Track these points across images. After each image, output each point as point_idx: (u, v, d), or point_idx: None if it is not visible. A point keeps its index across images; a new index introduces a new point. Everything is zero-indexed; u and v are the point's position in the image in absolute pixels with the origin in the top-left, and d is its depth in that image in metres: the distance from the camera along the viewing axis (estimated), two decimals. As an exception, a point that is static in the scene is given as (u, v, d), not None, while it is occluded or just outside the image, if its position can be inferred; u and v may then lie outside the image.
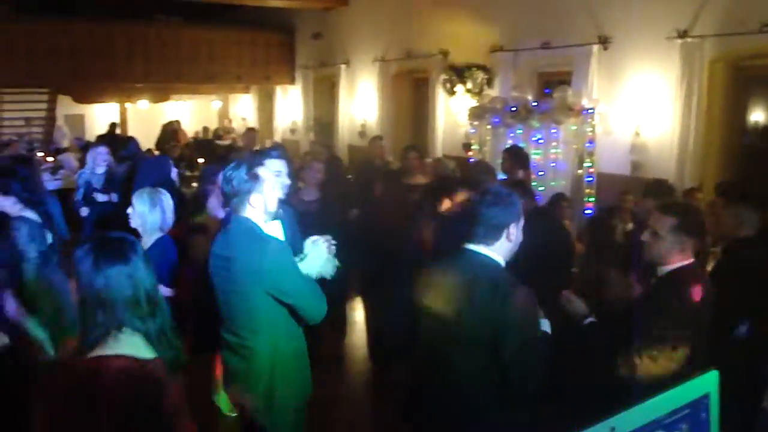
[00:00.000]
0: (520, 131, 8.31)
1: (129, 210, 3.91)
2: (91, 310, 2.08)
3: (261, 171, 3.14)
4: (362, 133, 12.15)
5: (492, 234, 2.68)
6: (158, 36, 13.66)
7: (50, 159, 12.57)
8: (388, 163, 8.23)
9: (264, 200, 3.11)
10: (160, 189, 4.04)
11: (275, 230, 3.22)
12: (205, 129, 16.74)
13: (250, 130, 10.71)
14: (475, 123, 8.95)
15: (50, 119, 15.13)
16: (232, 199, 3.10)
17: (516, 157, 6.11)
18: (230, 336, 3.14)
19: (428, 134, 10.41)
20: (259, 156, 3.70)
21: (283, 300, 3.02)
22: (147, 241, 3.90)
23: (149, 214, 3.88)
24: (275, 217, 3.24)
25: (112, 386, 1.97)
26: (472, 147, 8.99)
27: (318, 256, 3.20)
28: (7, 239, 3.49)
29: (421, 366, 2.99)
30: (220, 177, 3.21)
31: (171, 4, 14.23)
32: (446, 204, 4.29)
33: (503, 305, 2.55)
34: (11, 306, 3.26)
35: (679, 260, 2.90)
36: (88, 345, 2.05)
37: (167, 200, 3.97)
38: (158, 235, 3.97)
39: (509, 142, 8.43)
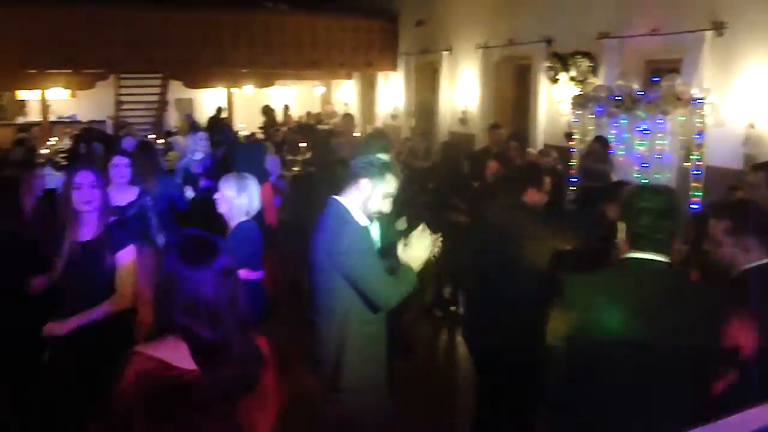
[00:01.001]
0: (625, 121, 8.03)
1: (216, 195, 4.00)
2: (159, 304, 2.07)
3: (390, 174, 3.16)
4: (463, 120, 12.09)
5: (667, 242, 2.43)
6: (264, 23, 13.98)
7: (161, 141, 13.22)
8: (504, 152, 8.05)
9: (370, 191, 3.12)
10: (247, 174, 4.12)
11: (362, 218, 3.21)
12: (308, 114, 17.06)
13: (347, 115, 10.83)
14: (578, 112, 8.72)
15: (162, 103, 15.89)
16: (347, 180, 3.17)
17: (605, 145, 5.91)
18: (313, 315, 3.21)
19: (530, 123, 10.23)
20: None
21: (354, 284, 3.04)
22: (232, 226, 4.02)
23: (236, 200, 3.96)
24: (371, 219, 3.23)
25: (129, 384, 1.93)
26: (574, 136, 8.77)
27: (422, 247, 3.19)
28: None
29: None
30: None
31: (278, -7, 14.63)
32: (531, 194, 4.21)
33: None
34: None
35: (747, 262, 2.72)
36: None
37: (254, 185, 4.03)
38: (243, 218, 4.05)
39: (613, 132, 8.20)
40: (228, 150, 7.18)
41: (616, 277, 2.49)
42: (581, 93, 8.71)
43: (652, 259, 2.39)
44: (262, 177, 5.07)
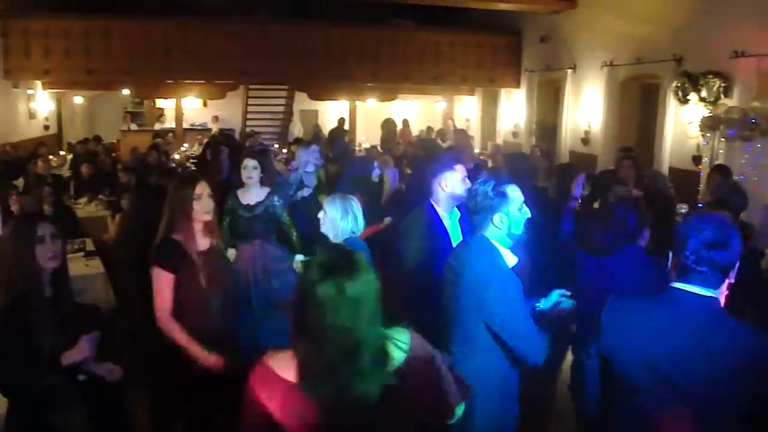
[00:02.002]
0: (760, 146, 7.52)
1: (320, 214, 4.03)
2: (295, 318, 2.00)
3: (509, 190, 3.00)
4: (585, 140, 11.74)
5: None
6: (390, 38, 14.19)
7: (284, 151, 13.67)
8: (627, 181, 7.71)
9: (508, 221, 2.97)
10: (350, 196, 4.12)
11: (510, 257, 3.04)
12: (429, 129, 17.11)
13: (460, 131, 10.72)
14: (708, 135, 8.24)
15: (287, 114, 16.44)
16: (475, 215, 3.01)
17: (725, 174, 5.54)
18: (442, 348, 2.95)
19: (655, 144, 9.77)
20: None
21: (497, 334, 2.88)
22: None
23: (340, 221, 3.97)
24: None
25: (249, 391, 1.95)
26: (703, 160, 8.30)
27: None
28: None
29: None
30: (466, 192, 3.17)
31: (404, 9, 14.76)
32: None
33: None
34: None
35: None
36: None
37: (357, 207, 4.04)
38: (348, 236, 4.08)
39: (746, 158, 7.70)
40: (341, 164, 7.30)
41: (654, 306, 2.35)
42: (711, 115, 8.23)
43: (692, 292, 2.24)
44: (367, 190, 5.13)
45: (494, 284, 2.82)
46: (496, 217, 2.93)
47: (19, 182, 8.96)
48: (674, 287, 2.29)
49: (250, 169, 5.30)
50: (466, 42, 14.39)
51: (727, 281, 2.27)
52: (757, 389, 2.12)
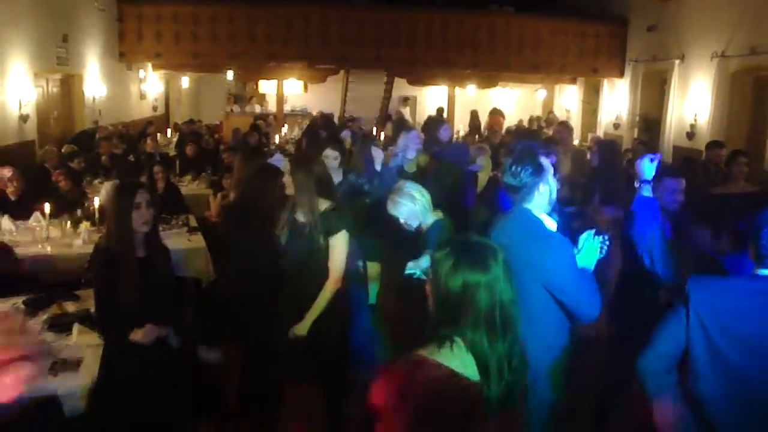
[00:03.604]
0: None
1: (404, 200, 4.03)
2: (438, 313, 2.03)
3: (544, 161, 3.15)
4: (690, 134, 11.28)
5: None
6: (489, 25, 14.08)
7: (383, 135, 13.76)
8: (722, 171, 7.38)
9: (549, 190, 3.11)
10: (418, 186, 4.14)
11: (550, 222, 3.16)
12: (531, 119, 16.81)
13: (563, 123, 10.50)
14: (826, 132, 7.81)
15: (387, 99, 16.53)
16: (518, 191, 3.12)
17: None
18: None
19: (767, 142, 9.30)
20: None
21: (557, 296, 2.96)
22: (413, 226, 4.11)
23: (425, 205, 4.03)
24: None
25: (420, 394, 1.90)
26: (818, 159, 7.86)
27: (591, 252, 3.06)
28: None
29: None
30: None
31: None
32: None
33: None
34: None
35: None
36: (423, 344, 1.99)
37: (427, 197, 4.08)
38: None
39: None
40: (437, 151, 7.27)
41: (747, 282, 2.35)
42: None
43: None
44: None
45: (550, 251, 2.94)
46: (538, 189, 3.07)
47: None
48: (759, 274, 2.31)
49: (331, 159, 5.51)
50: (568, 30, 14.07)
51: None
52: None
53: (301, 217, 3.97)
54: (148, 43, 12.93)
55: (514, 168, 3.10)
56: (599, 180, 6.34)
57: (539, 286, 2.96)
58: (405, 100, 18.02)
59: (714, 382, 2.32)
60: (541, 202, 3.10)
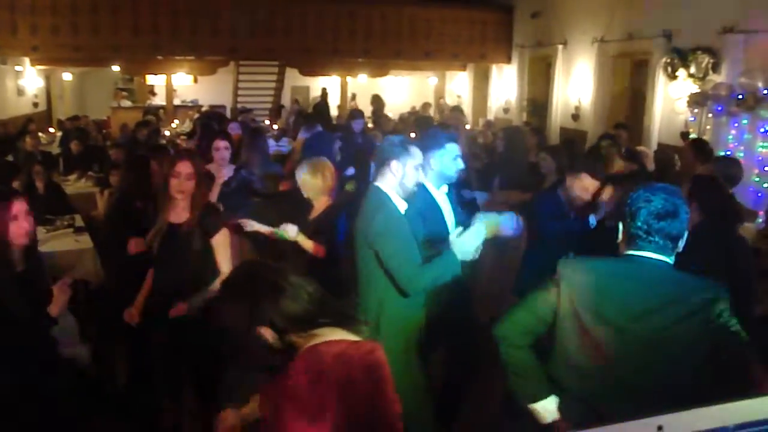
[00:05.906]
0: (746, 121, 7.56)
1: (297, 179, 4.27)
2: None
3: (413, 148, 3.29)
4: (575, 116, 11.76)
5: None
6: (380, 13, 14.10)
7: (275, 126, 13.68)
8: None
9: (403, 172, 3.24)
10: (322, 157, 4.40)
11: (400, 202, 3.32)
12: (425, 105, 16.92)
13: (456, 108, 10.73)
14: (695, 110, 8.29)
15: (278, 90, 16.34)
16: (378, 166, 3.31)
17: (699, 150, 5.60)
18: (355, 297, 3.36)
19: (645, 120, 9.80)
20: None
21: (382, 262, 3.15)
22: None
23: (312, 180, 4.26)
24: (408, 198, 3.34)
25: (332, 368, 1.92)
26: (690, 136, 8.33)
27: (474, 236, 3.11)
28: None
29: None
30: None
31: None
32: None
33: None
34: None
35: None
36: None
37: (329, 166, 4.35)
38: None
39: (732, 133, 7.75)
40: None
41: (615, 264, 2.41)
42: (699, 91, 8.26)
43: (650, 257, 2.32)
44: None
45: (379, 219, 3.14)
46: (391, 165, 3.24)
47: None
48: (629, 254, 2.37)
49: (223, 150, 5.56)
50: (457, 18, 14.32)
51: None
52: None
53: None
54: (23, 35, 12.12)
55: (382, 145, 3.37)
56: (504, 166, 6.53)
57: (371, 254, 3.18)
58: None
59: (582, 360, 2.39)
60: (392, 181, 3.25)
